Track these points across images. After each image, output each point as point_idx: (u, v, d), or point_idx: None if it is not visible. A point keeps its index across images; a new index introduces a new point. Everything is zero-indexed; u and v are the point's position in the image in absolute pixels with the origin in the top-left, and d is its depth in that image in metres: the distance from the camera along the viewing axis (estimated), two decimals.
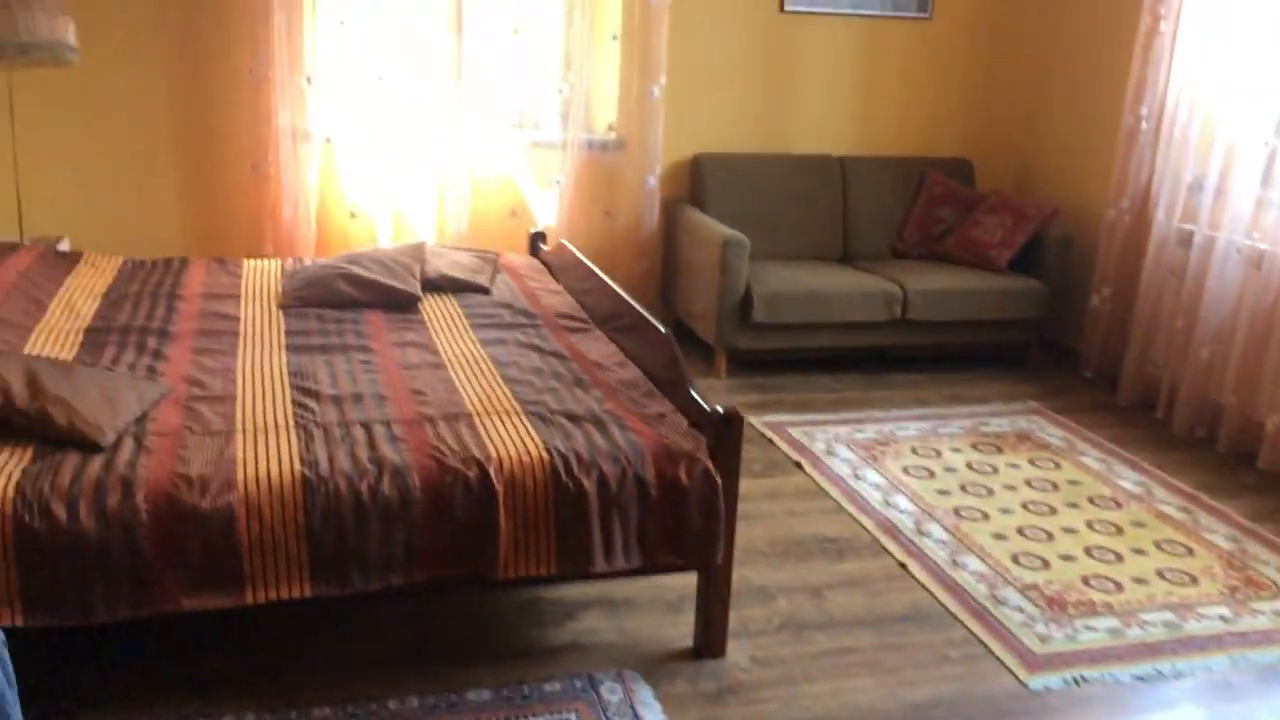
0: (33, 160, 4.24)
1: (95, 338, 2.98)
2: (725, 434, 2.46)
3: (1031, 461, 3.89)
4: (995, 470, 3.79)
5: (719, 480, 2.42)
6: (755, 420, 4.12)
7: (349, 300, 3.42)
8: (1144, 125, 4.45)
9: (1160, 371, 4.42)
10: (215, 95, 4.51)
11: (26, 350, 2.83)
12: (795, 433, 4.03)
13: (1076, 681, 2.60)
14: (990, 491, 3.62)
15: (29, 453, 2.22)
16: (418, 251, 3.76)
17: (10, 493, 2.08)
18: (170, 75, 4.46)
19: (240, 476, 2.21)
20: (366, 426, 2.46)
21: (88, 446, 2.25)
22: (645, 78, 4.83)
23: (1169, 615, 2.91)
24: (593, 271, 3.59)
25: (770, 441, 3.95)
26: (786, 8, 5.07)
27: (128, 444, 2.29)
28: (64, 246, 4.19)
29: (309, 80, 4.48)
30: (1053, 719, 2.47)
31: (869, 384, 4.66)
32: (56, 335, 2.97)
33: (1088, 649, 2.73)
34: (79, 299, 3.29)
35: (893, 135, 5.40)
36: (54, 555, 2.08)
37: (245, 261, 3.86)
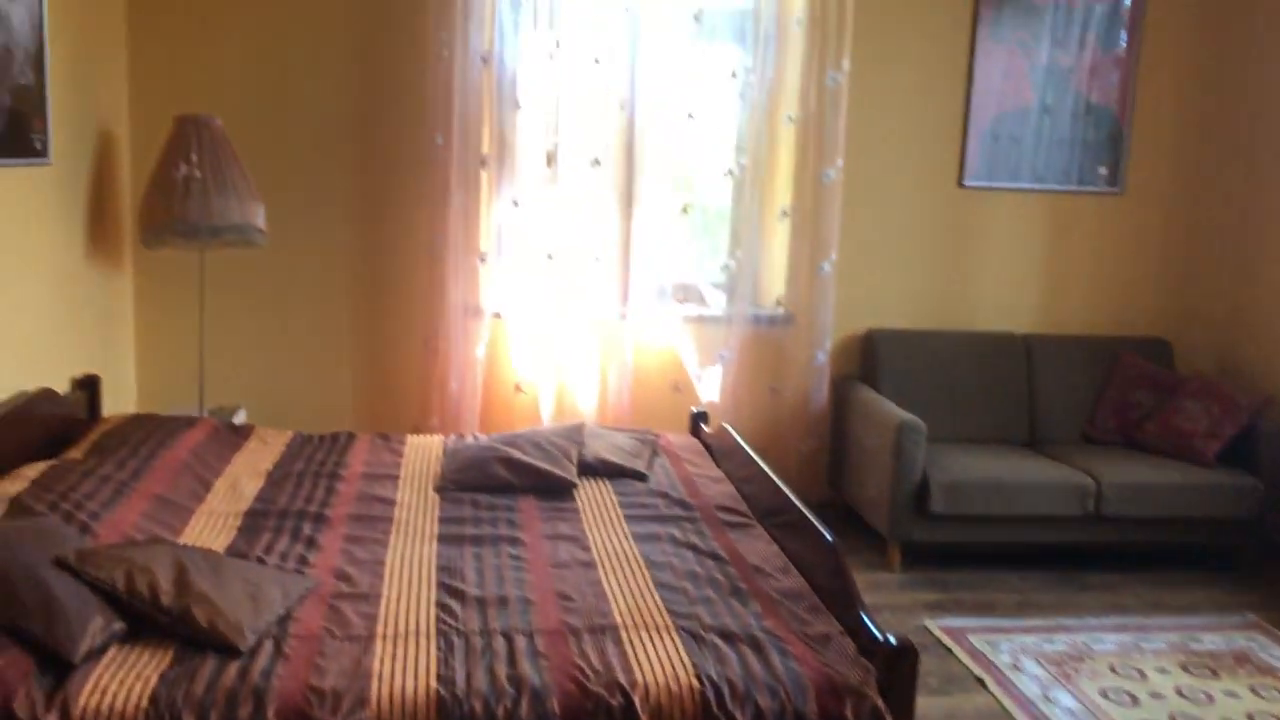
0: (217, 334, 4.41)
1: (253, 521, 2.97)
2: (898, 667, 2.21)
3: (1254, 690, 3.41)
4: (1210, 699, 3.33)
5: None
6: (931, 624, 3.79)
7: (505, 485, 3.34)
8: None
9: None
10: (392, 272, 4.65)
11: (185, 534, 2.84)
12: (976, 641, 3.67)
13: None
14: None
15: (169, 655, 2.18)
16: (576, 433, 3.68)
17: (144, 702, 2.02)
18: (350, 254, 4.62)
19: (374, 692, 2.10)
20: (508, 637, 2.33)
21: (227, 649, 2.19)
22: (816, 253, 4.72)
23: None
24: (753, 459, 3.42)
25: (948, 650, 3.60)
26: (965, 183, 4.92)
27: (266, 648, 2.22)
28: (240, 418, 4.31)
29: (482, 258, 4.56)
30: None
31: (1059, 584, 4.24)
32: (216, 518, 2.98)
33: None
34: (244, 478, 3.31)
35: (1082, 313, 5.09)
36: None
37: (409, 438, 3.86)
